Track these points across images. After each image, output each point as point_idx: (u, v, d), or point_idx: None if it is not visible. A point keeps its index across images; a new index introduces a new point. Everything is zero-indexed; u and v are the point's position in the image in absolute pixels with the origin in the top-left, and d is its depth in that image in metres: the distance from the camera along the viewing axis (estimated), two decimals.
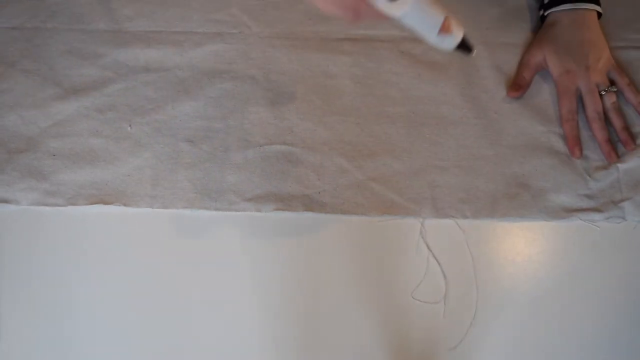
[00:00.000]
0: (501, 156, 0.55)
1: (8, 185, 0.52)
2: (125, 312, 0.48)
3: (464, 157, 0.55)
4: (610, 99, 0.56)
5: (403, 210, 0.52)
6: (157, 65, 0.58)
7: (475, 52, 0.37)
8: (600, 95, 0.56)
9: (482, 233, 0.52)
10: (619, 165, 0.54)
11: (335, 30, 0.60)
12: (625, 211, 0.52)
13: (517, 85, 0.57)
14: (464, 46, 0.36)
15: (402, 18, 0.33)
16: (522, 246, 0.52)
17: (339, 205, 0.52)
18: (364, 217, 0.52)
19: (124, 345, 0.47)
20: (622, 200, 0.53)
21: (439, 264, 0.50)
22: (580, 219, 0.52)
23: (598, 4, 0.58)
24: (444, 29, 0.34)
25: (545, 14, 0.60)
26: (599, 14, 0.59)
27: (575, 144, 0.55)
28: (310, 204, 0.52)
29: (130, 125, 0.55)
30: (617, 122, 0.56)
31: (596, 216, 0.52)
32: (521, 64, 0.59)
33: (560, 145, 0.55)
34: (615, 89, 0.57)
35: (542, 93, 0.58)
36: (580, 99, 0.57)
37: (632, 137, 0.55)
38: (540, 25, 0.61)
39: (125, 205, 0.51)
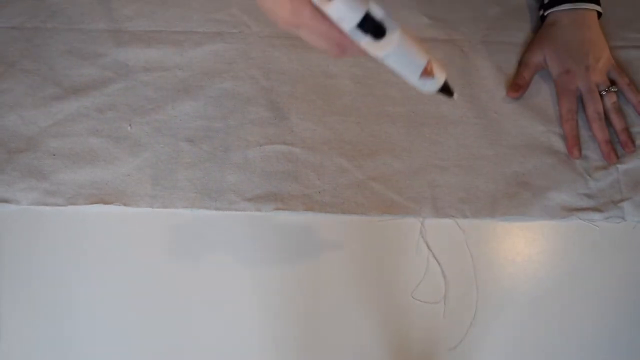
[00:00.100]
0: (501, 156, 0.55)
1: (8, 185, 0.52)
2: (125, 312, 0.48)
3: (464, 156, 0.55)
4: (610, 99, 0.56)
5: (403, 209, 0.52)
6: (157, 65, 0.58)
7: (456, 95, 0.37)
8: (601, 95, 0.56)
9: (482, 233, 0.52)
10: (619, 165, 0.54)
11: None
12: (624, 211, 0.52)
13: (517, 86, 0.57)
14: (446, 89, 0.36)
15: (384, 58, 0.33)
16: (522, 246, 0.52)
17: (339, 204, 0.52)
18: (364, 216, 0.52)
19: (124, 345, 0.47)
20: (622, 200, 0.53)
21: (439, 263, 0.50)
22: (580, 219, 0.52)
23: (598, 3, 0.58)
24: (426, 73, 0.34)
25: (545, 14, 0.60)
26: (599, 14, 0.59)
27: (574, 144, 0.55)
28: (310, 203, 0.52)
29: (130, 125, 0.55)
30: (617, 122, 0.56)
31: (596, 216, 0.52)
32: (521, 64, 0.59)
33: (560, 145, 0.56)
34: (616, 89, 0.57)
35: (542, 93, 0.58)
36: (580, 99, 0.57)
37: (632, 139, 0.55)
38: (540, 25, 0.61)
39: (125, 205, 0.51)
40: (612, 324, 0.49)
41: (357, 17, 0.31)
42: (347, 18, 0.31)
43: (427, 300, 0.49)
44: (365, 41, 0.32)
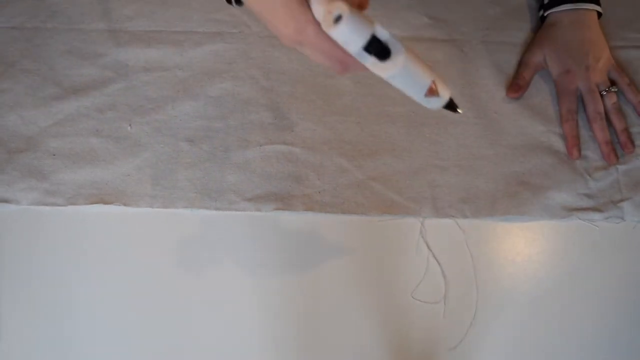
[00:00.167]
0: (501, 156, 0.55)
1: (8, 184, 0.52)
2: (125, 312, 0.48)
3: (464, 156, 0.55)
4: (611, 99, 0.56)
5: (403, 209, 0.52)
6: (157, 65, 0.58)
7: (461, 111, 0.38)
8: (601, 95, 0.56)
9: (482, 233, 0.52)
10: (619, 165, 0.54)
11: None
12: (624, 211, 0.52)
13: (517, 86, 0.57)
14: (451, 106, 0.37)
15: (389, 79, 0.34)
16: (522, 246, 0.52)
17: (339, 204, 0.52)
18: (364, 216, 0.52)
19: (124, 345, 0.47)
20: (622, 201, 0.53)
21: (439, 263, 0.50)
22: (580, 219, 0.52)
23: (598, 3, 0.58)
24: (431, 92, 0.34)
25: (546, 14, 0.60)
26: (599, 14, 0.59)
27: (574, 144, 0.55)
28: (310, 203, 0.52)
29: (130, 125, 0.55)
30: (617, 123, 0.56)
31: (595, 216, 0.52)
32: (521, 64, 0.59)
33: (560, 145, 0.56)
34: (616, 89, 0.57)
35: (542, 93, 0.58)
36: (580, 99, 0.57)
37: (632, 140, 0.55)
38: (540, 25, 0.61)
39: (125, 205, 0.51)
40: (612, 324, 0.49)
41: (363, 40, 0.31)
42: (352, 41, 0.31)
43: (427, 300, 0.49)
44: (370, 62, 0.32)
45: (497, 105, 0.57)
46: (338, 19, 0.31)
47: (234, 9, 0.62)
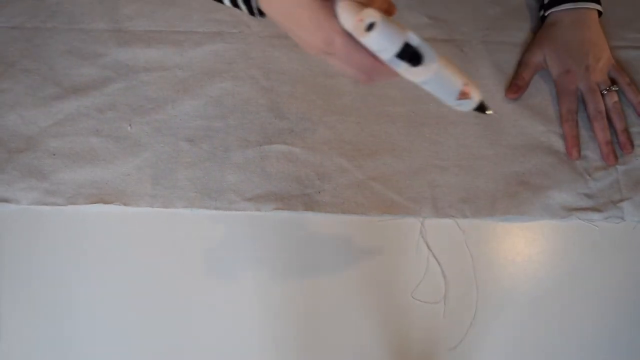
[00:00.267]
0: (501, 156, 0.55)
1: (8, 184, 0.52)
2: (125, 312, 0.48)
3: (464, 156, 0.55)
4: (611, 99, 0.56)
5: (403, 209, 0.52)
6: (157, 65, 0.58)
7: (491, 112, 0.37)
8: (602, 94, 0.56)
9: (482, 233, 0.52)
10: (618, 166, 0.54)
11: None
12: (624, 211, 0.52)
13: (516, 87, 0.57)
14: (481, 107, 0.37)
15: (422, 84, 0.33)
16: (522, 246, 0.52)
17: (339, 204, 0.52)
18: (364, 216, 0.52)
19: (124, 345, 0.47)
20: (621, 201, 0.53)
21: (439, 263, 0.50)
22: (580, 219, 0.52)
23: (599, 2, 0.58)
24: (463, 96, 0.34)
25: (546, 14, 0.60)
26: (600, 13, 0.59)
27: (574, 144, 0.55)
28: (310, 203, 0.52)
29: (130, 125, 0.55)
30: (617, 123, 0.55)
31: (595, 216, 0.52)
32: (521, 64, 0.59)
33: (560, 145, 0.56)
34: (617, 88, 0.56)
35: (542, 93, 0.58)
36: (581, 99, 0.57)
37: (631, 140, 0.55)
38: (540, 25, 0.61)
39: (125, 204, 0.51)
40: (612, 324, 0.49)
41: (397, 47, 0.31)
42: (385, 49, 0.31)
43: (427, 300, 0.49)
44: (403, 68, 0.32)
45: (497, 105, 0.57)
46: (370, 26, 0.30)
47: (233, 9, 0.61)
